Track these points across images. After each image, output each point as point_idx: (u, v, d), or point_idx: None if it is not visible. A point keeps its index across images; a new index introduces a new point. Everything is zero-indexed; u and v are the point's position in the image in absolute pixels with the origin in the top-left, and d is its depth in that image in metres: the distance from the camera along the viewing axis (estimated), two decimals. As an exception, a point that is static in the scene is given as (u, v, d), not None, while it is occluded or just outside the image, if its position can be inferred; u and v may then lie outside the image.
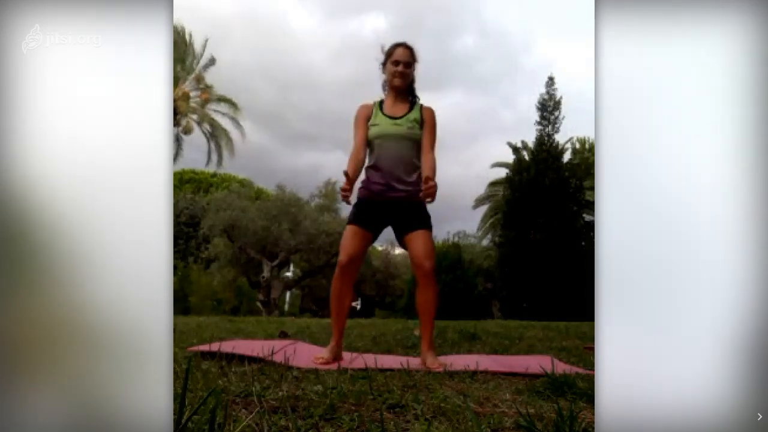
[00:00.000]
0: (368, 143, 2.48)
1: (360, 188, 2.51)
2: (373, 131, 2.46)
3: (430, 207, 2.50)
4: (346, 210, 4.66)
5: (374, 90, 2.65)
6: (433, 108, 2.54)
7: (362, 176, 2.50)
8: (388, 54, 2.52)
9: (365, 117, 2.50)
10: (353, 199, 2.41)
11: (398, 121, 2.44)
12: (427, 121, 2.48)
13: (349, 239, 2.42)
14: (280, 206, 16.70)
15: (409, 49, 2.50)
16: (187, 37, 16.78)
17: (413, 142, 2.44)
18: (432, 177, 2.31)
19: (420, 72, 2.59)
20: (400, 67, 2.47)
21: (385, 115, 2.47)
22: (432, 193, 2.25)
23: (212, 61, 17.10)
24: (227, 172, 23.16)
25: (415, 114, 2.47)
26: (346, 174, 2.28)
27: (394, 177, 2.41)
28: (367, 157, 2.51)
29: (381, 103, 2.54)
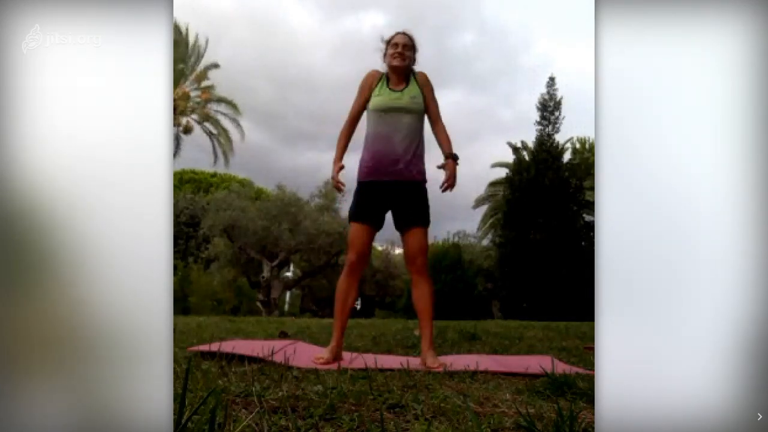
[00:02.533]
0: (369, 115, 2.52)
1: (359, 169, 2.51)
2: (375, 102, 2.49)
3: (430, 207, 2.52)
4: (345, 210, 4.67)
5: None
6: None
7: (361, 153, 2.52)
8: (388, 42, 2.59)
9: (369, 86, 2.55)
10: (354, 183, 2.53)
11: (399, 93, 2.49)
12: (424, 89, 2.54)
13: (356, 237, 2.44)
14: (280, 206, 16.69)
15: (407, 36, 2.58)
16: (185, 36, 16.80)
17: (415, 114, 2.48)
18: (451, 151, 2.53)
19: (419, 69, 2.61)
20: (399, 48, 2.52)
21: (388, 88, 2.52)
22: (453, 182, 2.50)
23: (215, 64, 17.15)
24: (227, 172, 23.17)
25: (412, 84, 2.52)
26: (334, 163, 2.52)
27: (395, 147, 2.43)
28: (367, 131, 2.53)
29: (387, 76, 2.58)
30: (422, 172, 2.50)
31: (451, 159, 2.52)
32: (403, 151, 2.43)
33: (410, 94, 2.49)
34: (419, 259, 2.42)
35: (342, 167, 2.55)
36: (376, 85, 2.53)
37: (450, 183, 2.50)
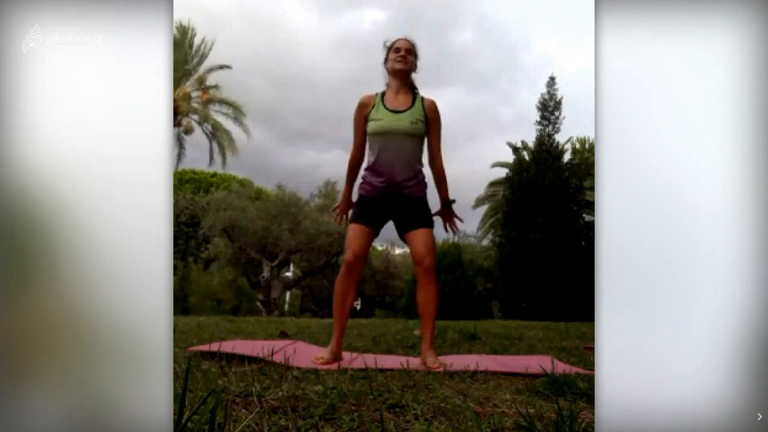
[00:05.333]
0: (369, 138, 2.48)
1: (361, 185, 2.52)
2: (374, 126, 2.43)
3: (430, 206, 2.53)
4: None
5: (373, 86, 2.65)
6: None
7: (362, 173, 2.53)
8: (390, 47, 2.57)
9: (363, 115, 2.48)
10: (354, 196, 2.56)
11: (401, 116, 2.42)
12: (431, 116, 2.47)
13: (354, 237, 2.44)
14: (280, 206, 16.69)
15: (409, 41, 2.56)
16: (190, 38, 16.82)
17: (416, 138, 2.44)
18: (448, 198, 2.56)
19: (419, 67, 2.61)
20: (401, 52, 2.50)
21: (387, 108, 2.45)
22: (454, 224, 2.61)
23: (221, 66, 17.20)
24: (227, 172, 23.17)
25: (417, 108, 2.45)
26: (344, 196, 2.64)
27: (396, 176, 2.42)
28: (367, 152, 2.52)
29: (383, 95, 2.52)
30: (423, 188, 2.51)
31: (447, 207, 2.57)
32: (404, 178, 2.42)
33: (411, 118, 2.41)
34: (427, 260, 2.38)
35: (351, 205, 2.61)
36: (372, 108, 2.47)
37: (453, 226, 2.62)
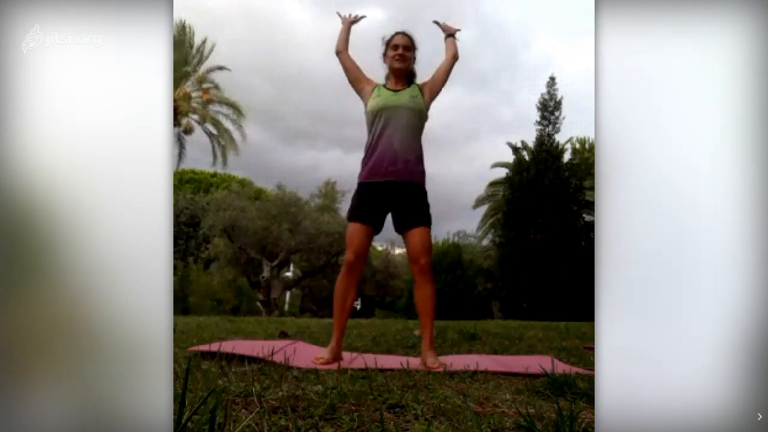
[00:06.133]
0: (369, 118, 2.52)
1: (359, 174, 2.52)
2: (374, 102, 2.49)
3: (430, 207, 2.52)
4: (345, 210, 4.68)
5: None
6: (433, 106, 2.61)
7: (363, 154, 2.53)
8: (388, 42, 2.59)
9: (369, 88, 2.57)
10: (354, 184, 2.55)
11: (400, 93, 2.50)
12: (426, 88, 2.56)
13: (353, 237, 2.43)
14: (280, 206, 16.69)
15: (407, 36, 2.58)
16: (190, 37, 16.84)
17: (416, 113, 2.48)
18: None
19: (419, 67, 2.63)
20: (399, 50, 2.53)
21: (386, 89, 2.54)
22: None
23: (220, 67, 17.23)
24: (227, 172, 23.16)
25: (414, 87, 2.54)
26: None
27: (396, 151, 2.42)
28: (366, 134, 2.54)
29: (384, 86, 2.60)
30: (422, 174, 2.50)
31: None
32: (402, 150, 2.42)
33: (410, 94, 2.50)
34: (423, 259, 2.39)
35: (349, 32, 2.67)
36: (372, 92, 2.54)
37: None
